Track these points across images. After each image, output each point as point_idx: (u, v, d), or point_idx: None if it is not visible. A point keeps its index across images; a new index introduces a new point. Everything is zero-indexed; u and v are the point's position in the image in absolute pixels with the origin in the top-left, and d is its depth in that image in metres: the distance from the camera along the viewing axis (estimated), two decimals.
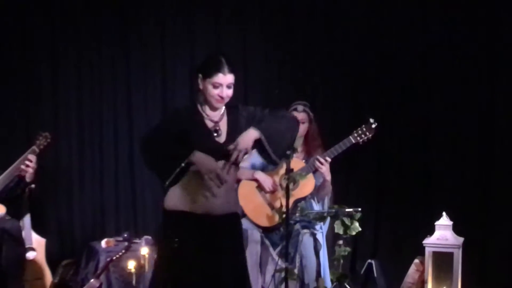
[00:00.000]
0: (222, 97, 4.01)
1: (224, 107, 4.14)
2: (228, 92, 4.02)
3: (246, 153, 4.08)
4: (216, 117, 4.10)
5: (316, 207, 5.80)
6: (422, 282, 5.65)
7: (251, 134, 4.01)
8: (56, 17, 7.27)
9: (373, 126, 5.37)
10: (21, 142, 6.15)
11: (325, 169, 5.43)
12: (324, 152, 5.50)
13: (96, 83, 7.37)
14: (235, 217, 4.25)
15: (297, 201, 5.48)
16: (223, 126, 4.10)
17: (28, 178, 5.50)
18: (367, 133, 5.39)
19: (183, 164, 3.94)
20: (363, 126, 5.40)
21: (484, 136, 6.59)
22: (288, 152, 4.35)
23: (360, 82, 6.98)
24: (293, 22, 7.25)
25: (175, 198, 4.06)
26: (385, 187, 7.00)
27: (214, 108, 4.09)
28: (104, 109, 7.39)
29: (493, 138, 6.56)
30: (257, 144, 4.06)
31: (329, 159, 5.41)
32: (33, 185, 5.71)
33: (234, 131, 4.08)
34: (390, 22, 6.93)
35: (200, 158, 3.94)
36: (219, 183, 3.93)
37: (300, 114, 5.56)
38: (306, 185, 5.49)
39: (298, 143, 4.76)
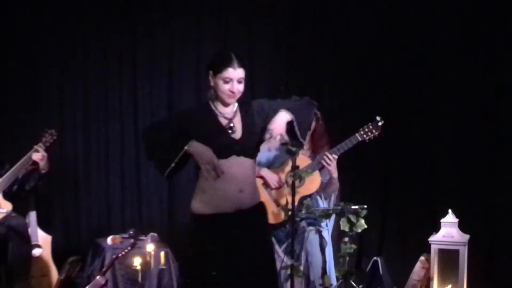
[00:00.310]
0: (233, 92, 4.01)
1: (236, 104, 4.15)
2: (239, 87, 4.02)
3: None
4: (229, 114, 4.11)
5: (322, 204, 5.80)
6: (427, 279, 5.64)
7: (283, 117, 4.08)
8: (63, 13, 7.26)
9: (380, 124, 5.37)
10: (28, 139, 6.14)
11: (332, 166, 5.45)
12: (330, 149, 5.51)
13: (102, 82, 7.37)
14: (262, 206, 4.27)
15: (303, 198, 5.48)
16: (237, 122, 4.11)
17: (42, 169, 5.54)
18: (374, 131, 5.39)
19: (180, 154, 3.95)
20: (370, 124, 5.40)
21: (490, 134, 6.59)
22: (294, 149, 4.36)
23: (368, 80, 6.97)
24: (301, 18, 7.26)
25: (203, 201, 4.07)
26: (391, 185, 7.00)
27: (226, 104, 4.09)
28: (110, 107, 7.39)
29: (499, 136, 6.56)
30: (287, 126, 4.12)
31: (335, 156, 5.42)
32: (40, 183, 5.74)
33: (249, 127, 4.10)
34: (400, 19, 6.92)
35: (197, 148, 3.94)
36: (216, 174, 3.92)
37: None
38: (312, 182, 5.49)
39: (305, 140, 4.76)
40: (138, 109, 7.40)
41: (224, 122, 4.09)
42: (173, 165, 3.98)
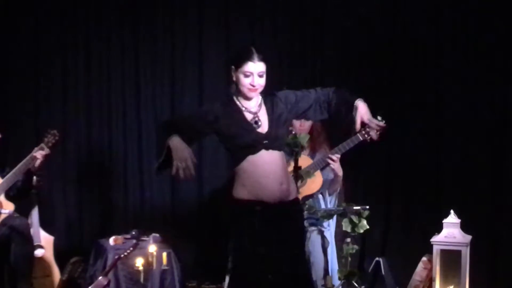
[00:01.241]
0: (253, 86, 4.04)
1: (260, 97, 4.17)
2: (259, 81, 4.05)
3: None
4: (254, 108, 4.13)
5: (324, 204, 5.82)
6: (430, 280, 5.64)
7: (364, 106, 4.17)
8: (65, 12, 7.27)
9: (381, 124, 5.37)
10: (30, 140, 6.15)
11: (336, 165, 5.49)
12: (329, 146, 5.54)
13: (105, 82, 7.38)
14: (298, 203, 4.31)
15: (305, 198, 5.49)
16: (263, 116, 4.13)
17: (33, 169, 5.55)
18: (375, 131, 5.39)
19: (165, 151, 3.97)
20: None
21: (494, 134, 6.58)
22: (296, 150, 4.38)
23: (370, 80, 6.97)
24: (302, 18, 7.26)
25: (243, 188, 4.08)
26: (393, 185, 7.00)
27: (248, 98, 4.12)
28: (113, 108, 7.39)
29: (502, 136, 6.55)
30: None
31: (338, 156, 5.45)
32: (41, 182, 5.75)
33: (275, 119, 4.12)
34: (402, 18, 6.92)
35: (175, 144, 3.94)
36: (185, 175, 3.90)
37: None
38: (314, 183, 5.51)
39: (305, 140, 4.78)
40: (140, 111, 7.40)
41: (249, 116, 4.11)
42: (160, 160, 3.99)
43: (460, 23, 6.70)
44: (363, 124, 4.18)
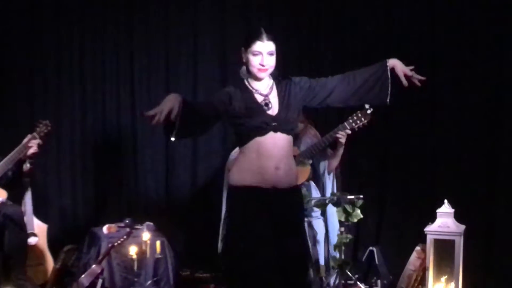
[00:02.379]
0: (263, 65, 4.04)
1: (272, 80, 4.17)
2: (269, 61, 4.05)
3: None
4: (264, 90, 4.13)
5: (317, 194, 5.83)
6: (423, 270, 5.64)
7: (397, 61, 4.27)
8: (59, 5, 7.26)
9: (368, 112, 5.40)
10: (24, 130, 6.13)
11: (343, 139, 5.57)
12: (315, 132, 5.57)
13: (100, 72, 7.38)
14: (297, 190, 4.30)
15: None
16: (273, 98, 4.12)
17: (24, 157, 5.55)
18: (362, 119, 5.42)
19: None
20: (358, 112, 5.44)
21: (488, 123, 6.58)
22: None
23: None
24: (298, 10, 7.24)
25: (240, 173, 4.09)
26: (387, 174, 7.00)
27: (258, 79, 4.12)
28: (107, 97, 7.38)
29: (497, 125, 6.55)
30: None
31: (348, 132, 5.50)
32: (32, 166, 5.74)
33: (286, 102, 4.11)
34: (399, 14, 6.94)
35: (168, 96, 3.97)
36: (150, 117, 3.86)
37: None
38: (302, 173, 5.51)
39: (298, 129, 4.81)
40: (135, 100, 7.40)
41: (260, 98, 4.11)
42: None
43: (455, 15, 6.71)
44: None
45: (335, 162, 5.83)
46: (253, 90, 4.12)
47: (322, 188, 5.97)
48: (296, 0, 7.23)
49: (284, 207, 4.10)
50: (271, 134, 4.03)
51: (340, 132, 5.52)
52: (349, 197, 5.55)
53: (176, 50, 7.41)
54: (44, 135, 5.70)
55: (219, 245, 5.95)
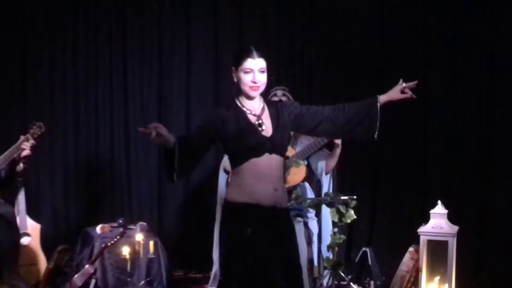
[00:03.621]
0: (255, 82, 3.98)
1: (263, 102, 4.11)
2: (260, 78, 3.99)
3: None
4: (256, 110, 4.06)
5: (311, 194, 5.83)
6: (416, 270, 5.65)
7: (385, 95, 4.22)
8: (53, 3, 7.25)
9: None
10: (18, 131, 6.11)
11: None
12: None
13: (92, 72, 7.36)
14: (288, 211, 4.23)
15: (289, 189, 5.49)
16: (266, 119, 4.06)
17: (18, 158, 5.52)
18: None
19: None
20: None
21: (481, 125, 6.60)
22: None
23: (358, 70, 6.98)
24: (291, 9, 7.26)
25: (239, 189, 4.01)
26: (380, 176, 7.01)
27: (250, 98, 4.05)
28: (100, 95, 7.37)
29: (490, 126, 6.56)
30: None
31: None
32: (25, 166, 5.72)
33: (278, 123, 4.06)
34: (391, 10, 6.94)
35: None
36: (148, 135, 3.82)
37: (280, 98, 5.61)
38: (298, 173, 5.51)
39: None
40: (128, 98, 7.39)
41: (253, 119, 4.04)
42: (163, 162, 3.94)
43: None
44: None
45: (333, 162, 5.83)
46: (246, 111, 4.05)
47: (317, 189, 5.97)
48: (287, 7, 7.28)
49: (281, 224, 4.06)
50: (266, 155, 3.98)
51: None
52: (342, 197, 5.55)
53: (169, 53, 7.43)
54: (38, 137, 5.67)
55: (214, 253, 5.96)
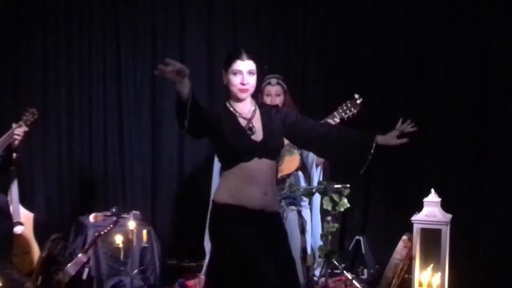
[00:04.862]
0: (244, 84, 3.95)
1: (255, 105, 4.09)
2: (249, 79, 3.96)
3: None
4: (247, 114, 4.03)
5: (304, 182, 5.82)
6: (410, 259, 5.65)
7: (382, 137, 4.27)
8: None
9: (358, 102, 5.38)
10: (11, 118, 6.08)
11: None
12: None
13: (86, 60, 7.36)
14: (278, 215, 4.20)
15: (283, 177, 5.49)
16: (257, 123, 4.03)
17: (13, 146, 5.50)
18: (352, 109, 5.40)
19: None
20: (348, 102, 5.41)
21: (475, 114, 6.60)
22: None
23: (352, 60, 6.98)
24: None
25: (227, 192, 3.98)
26: (373, 164, 6.98)
27: (240, 100, 4.02)
28: (93, 84, 7.36)
29: (483, 115, 6.57)
30: None
31: (337, 120, 5.48)
32: (18, 155, 5.71)
33: (270, 128, 4.03)
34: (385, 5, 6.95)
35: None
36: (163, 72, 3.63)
37: (275, 87, 5.62)
38: (292, 162, 5.50)
39: None
40: (121, 87, 7.38)
41: (243, 123, 4.01)
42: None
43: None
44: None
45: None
46: (236, 114, 4.03)
47: (309, 179, 5.97)
48: None
49: (270, 227, 4.03)
50: (256, 159, 3.95)
51: (329, 121, 5.50)
52: (336, 186, 5.55)
53: (162, 42, 7.43)
54: (31, 124, 5.65)
55: (206, 243, 5.95)
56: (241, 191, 3.94)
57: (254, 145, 3.96)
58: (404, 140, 4.14)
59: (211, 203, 4.09)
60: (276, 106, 4.30)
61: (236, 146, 3.92)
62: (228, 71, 3.98)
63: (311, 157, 5.83)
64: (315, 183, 5.86)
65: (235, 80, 3.96)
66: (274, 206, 4.09)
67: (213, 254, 4.08)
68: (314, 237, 5.86)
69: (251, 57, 3.99)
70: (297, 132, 4.12)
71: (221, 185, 4.05)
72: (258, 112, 4.08)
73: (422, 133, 6.69)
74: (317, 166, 5.85)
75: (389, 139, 4.18)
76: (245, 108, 4.05)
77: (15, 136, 5.45)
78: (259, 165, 3.95)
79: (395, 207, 6.82)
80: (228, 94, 4.06)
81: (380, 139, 4.18)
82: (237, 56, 3.96)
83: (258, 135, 4.00)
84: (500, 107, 6.51)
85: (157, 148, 7.40)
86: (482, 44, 6.57)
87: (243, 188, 3.94)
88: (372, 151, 4.11)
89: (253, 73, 3.98)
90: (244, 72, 3.95)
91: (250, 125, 4.01)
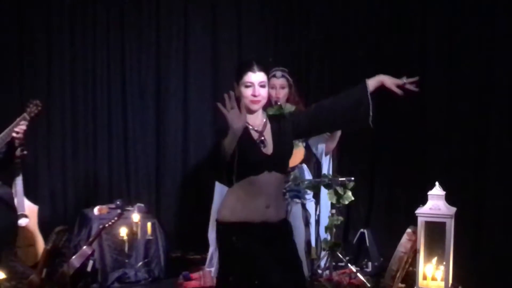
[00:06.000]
0: (255, 96, 3.93)
1: (266, 118, 4.08)
2: (261, 91, 3.94)
3: None
4: (259, 126, 4.02)
5: (309, 176, 5.82)
6: (414, 252, 5.65)
7: (375, 78, 4.11)
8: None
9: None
10: (15, 110, 6.09)
11: None
12: None
13: (90, 54, 7.35)
14: (286, 222, 4.18)
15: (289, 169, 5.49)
16: (267, 135, 4.02)
17: (16, 143, 5.49)
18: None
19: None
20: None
21: (479, 107, 6.58)
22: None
23: (356, 51, 6.97)
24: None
25: (230, 210, 3.97)
26: (378, 157, 7.00)
27: (251, 112, 3.99)
28: (97, 76, 7.35)
29: (486, 108, 6.55)
30: None
31: None
32: (25, 152, 5.70)
33: (280, 140, 4.02)
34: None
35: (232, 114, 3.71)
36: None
37: (280, 80, 5.61)
38: (296, 154, 5.50)
39: (291, 111, 4.79)
40: (125, 81, 7.38)
41: (255, 135, 4.00)
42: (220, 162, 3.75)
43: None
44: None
45: (332, 144, 5.81)
46: (249, 126, 4.00)
47: (315, 170, 5.96)
48: None
49: (274, 233, 4.01)
50: (265, 173, 3.93)
51: None
52: (340, 179, 5.55)
53: (167, 36, 7.43)
54: (35, 115, 5.65)
55: (210, 235, 5.96)
56: (243, 206, 3.93)
57: (263, 159, 3.94)
58: (399, 91, 4.06)
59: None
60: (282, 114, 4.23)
61: (246, 159, 3.88)
62: (239, 84, 3.97)
63: (320, 147, 5.83)
64: (324, 171, 5.87)
65: (247, 92, 3.94)
66: (277, 217, 4.05)
67: (220, 266, 4.07)
68: (322, 227, 5.86)
69: (262, 68, 3.98)
70: (301, 126, 4.08)
71: (225, 202, 4.03)
72: (269, 124, 4.07)
73: (426, 127, 6.77)
74: (326, 154, 5.86)
75: (389, 82, 4.08)
76: (257, 120, 4.03)
77: (14, 134, 5.44)
78: (268, 178, 3.94)
79: (399, 200, 6.81)
80: (241, 106, 3.98)
81: (372, 82, 4.08)
82: (248, 69, 3.95)
83: (268, 148, 3.98)
84: (504, 100, 6.49)
85: (161, 141, 7.40)
86: (485, 48, 6.56)
87: (246, 201, 3.93)
88: (370, 103, 4.00)
89: (264, 85, 3.97)
90: (255, 84, 3.93)
91: (262, 138, 4.00)
